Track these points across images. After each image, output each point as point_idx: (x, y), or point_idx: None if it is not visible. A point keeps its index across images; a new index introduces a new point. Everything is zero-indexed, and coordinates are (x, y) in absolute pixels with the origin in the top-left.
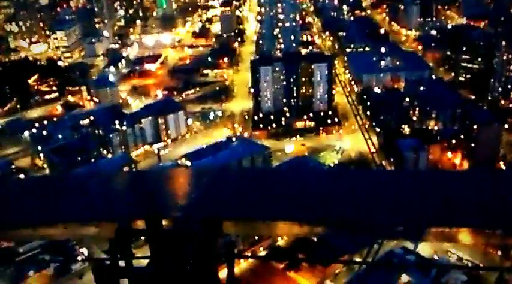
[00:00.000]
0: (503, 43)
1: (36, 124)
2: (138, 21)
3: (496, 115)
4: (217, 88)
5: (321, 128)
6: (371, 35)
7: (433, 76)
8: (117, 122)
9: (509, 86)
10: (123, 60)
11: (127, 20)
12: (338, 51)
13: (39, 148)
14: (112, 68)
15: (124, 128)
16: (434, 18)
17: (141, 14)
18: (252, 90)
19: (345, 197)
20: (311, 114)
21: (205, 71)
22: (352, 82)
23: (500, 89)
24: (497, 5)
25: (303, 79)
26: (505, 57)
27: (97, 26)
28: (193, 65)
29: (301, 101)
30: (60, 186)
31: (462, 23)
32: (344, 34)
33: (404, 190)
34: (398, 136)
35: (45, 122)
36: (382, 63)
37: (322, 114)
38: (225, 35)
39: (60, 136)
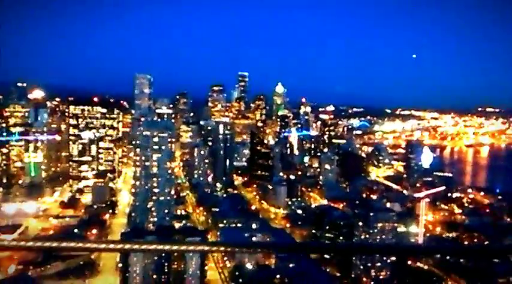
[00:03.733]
0: (360, 223)
1: None
2: (0, 189)
3: None
4: (81, 262)
5: None
6: (242, 211)
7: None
8: None
9: (369, 264)
10: None
11: None
12: (211, 225)
13: None
14: None
15: None
16: (299, 199)
17: (5, 180)
18: (120, 265)
19: None
20: None
21: None
22: (225, 258)
23: (361, 266)
24: (352, 190)
25: (175, 254)
26: (362, 236)
27: None
28: (57, 236)
29: (172, 277)
30: None
31: (324, 204)
32: (217, 209)
33: None
34: None
35: None
36: (254, 239)
37: None
38: (96, 206)
39: None
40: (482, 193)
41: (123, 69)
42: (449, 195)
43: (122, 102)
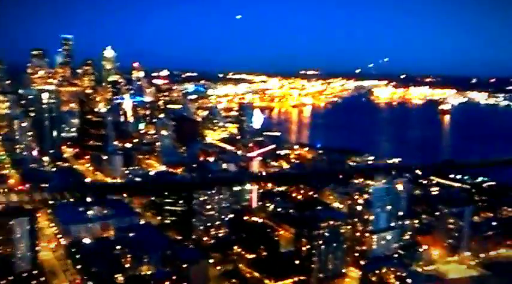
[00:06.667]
0: (200, 186)
1: None
2: None
3: (201, 252)
4: None
5: None
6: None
7: (142, 222)
8: None
9: (209, 224)
10: None
11: None
12: (41, 203)
13: None
14: None
15: None
16: (137, 167)
17: None
18: None
19: None
20: (12, 277)
21: None
22: (59, 235)
23: (201, 227)
24: (189, 155)
25: (0, 238)
26: (201, 198)
27: None
28: None
29: None
30: None
31: (162, 170)
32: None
33: None
34: None
35: None
36: (90, 212)
37: (25, 274)
38: None
39: None
40: (306, 149)
41: None
42: (278, 152)
43: None
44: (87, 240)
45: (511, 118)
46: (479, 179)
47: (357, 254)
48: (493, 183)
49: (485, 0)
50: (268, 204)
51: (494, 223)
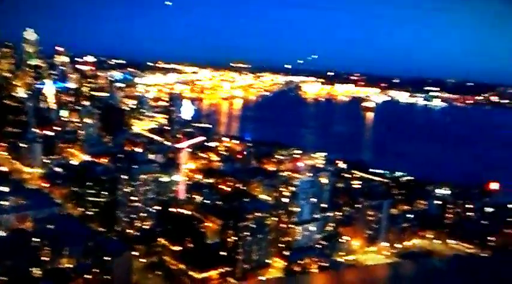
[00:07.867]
0: (124, 177)
1: None
2: None
3: (125, 244)
4: None
5: None
6: None
7: (63, 213)
8: None
9: (133, 216)
10: None
11: None
12: None
13: None
14: None
15: None
16: (58, 156)
17: None
18: None
19: None
20: None
21: None
22: None
23: (126, 219)
24: (115, 144)
25: None
26: (126, 190)
27: None
28: None
29: None
30: None
31: (86, 159)
32: None
33: None
34: (28, 281)
35: None
36: (6, 203)
37: None
38: None
39: None
40: (235, 141)
41: None
42: (207, 144)
43: None
44: (1, 232)
45: (426, 116)
46: (398, 174)
47: (281, 245)
48: (411, 178)
49: (408, 1)
50: (195, 196)
51: (409, 216)
